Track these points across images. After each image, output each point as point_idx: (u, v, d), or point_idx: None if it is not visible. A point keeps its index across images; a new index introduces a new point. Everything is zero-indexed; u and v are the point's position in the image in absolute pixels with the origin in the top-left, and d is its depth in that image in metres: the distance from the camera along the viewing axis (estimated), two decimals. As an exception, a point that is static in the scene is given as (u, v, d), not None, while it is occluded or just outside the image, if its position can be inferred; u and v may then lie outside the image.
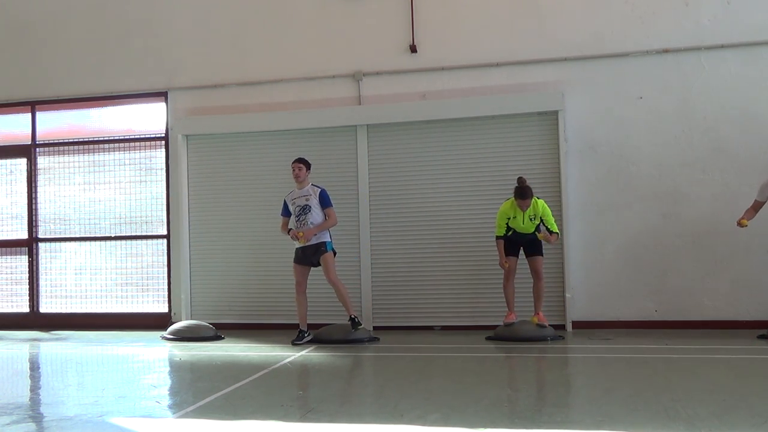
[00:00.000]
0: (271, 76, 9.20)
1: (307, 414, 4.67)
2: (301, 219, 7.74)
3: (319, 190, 7.82)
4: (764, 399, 4.88)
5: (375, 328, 8.55)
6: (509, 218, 7.58)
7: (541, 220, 7.60)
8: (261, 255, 9.04)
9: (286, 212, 7.95)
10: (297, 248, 7.86)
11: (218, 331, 8.39)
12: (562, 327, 8.13)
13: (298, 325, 7.84)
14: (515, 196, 7.48)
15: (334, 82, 9.06)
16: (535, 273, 7.71)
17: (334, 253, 7.81)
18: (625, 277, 8.22)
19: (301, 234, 7.62)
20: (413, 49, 8.82)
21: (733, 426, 4.18)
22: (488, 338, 7.73)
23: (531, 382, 5.81)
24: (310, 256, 7.77)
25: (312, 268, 7.89)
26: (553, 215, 7.66)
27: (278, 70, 9.18)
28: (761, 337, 7.29)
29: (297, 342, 7.66)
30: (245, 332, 8.65)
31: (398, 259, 8.71)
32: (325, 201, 7.76)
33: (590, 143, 8.39)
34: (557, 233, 7.67)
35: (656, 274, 8.20)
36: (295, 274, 7.88)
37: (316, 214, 7.71)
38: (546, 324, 7.66)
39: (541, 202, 7.61)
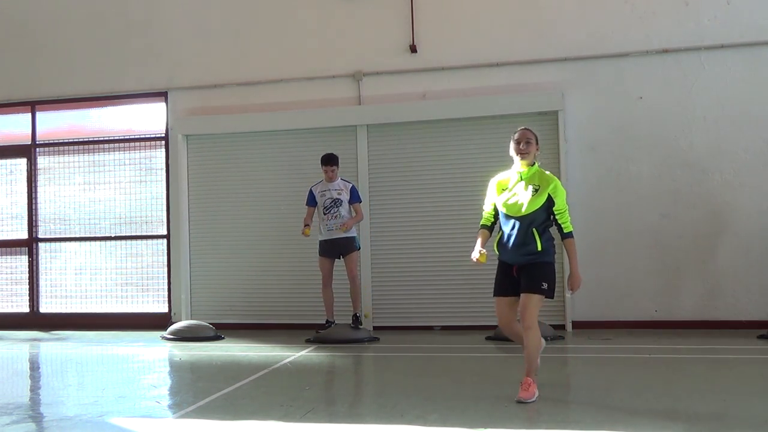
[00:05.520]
0: (271, 76, 9.20)
1: (307, 414, 4.67)
2: (332, 212, 7.92)
3: (350, 185, 8.09)
4: (764, 399, 4.88)
5: (375, 328, 8.54)
6: None
7: None
8: (261, 255, 9.03)
9: (312, 202, 8.03)
10: (323, 240, 7.96)
11: (218, 331, 8.38)
12: (562, 327, 8.13)
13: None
14: None
15: (334, 82, 9.05)
16: None
17: (358, 248, 8.15)
18: (625, 277, 8.22)
19: (308, 232, 7.81)
20: (413, 49, 8.81)
21: (733, 426, 4.18)
22: (488, 338, 7.73)
23: (531, 382, 5.80)
24: (339, 249, 7.94)
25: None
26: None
27: (278, 70, 9.17)
28: (761, 337, 7.29)
29: (320, 330, 7.86)
30: (245, 332, 8.65)
31: (398, 259, 8.71)
32: (354, 196, 8.04)
33: (590, 143, 8.39)
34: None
35: (656, 274, 8.19)
36: (322, 268, 8.01)
37: (346, 208, 7.97)
38: None
39: None
